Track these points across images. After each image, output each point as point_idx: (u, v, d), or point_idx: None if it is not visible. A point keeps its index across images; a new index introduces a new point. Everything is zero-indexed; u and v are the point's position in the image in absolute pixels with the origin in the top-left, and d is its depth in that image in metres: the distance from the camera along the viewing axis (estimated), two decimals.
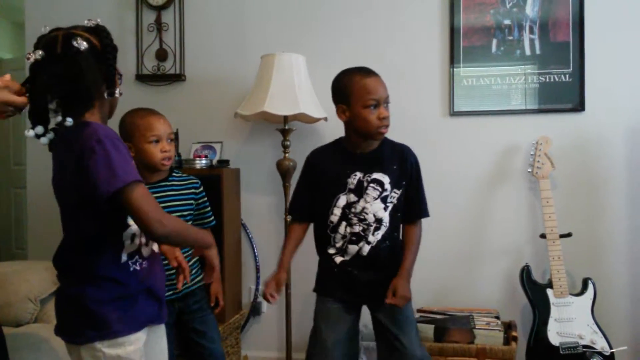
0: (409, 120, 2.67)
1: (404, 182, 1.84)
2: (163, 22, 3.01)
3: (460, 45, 2.71)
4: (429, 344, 2.34)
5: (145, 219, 1.19)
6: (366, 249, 1.81)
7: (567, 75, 2.63)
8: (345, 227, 1.82)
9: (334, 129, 2.81)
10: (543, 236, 2.49)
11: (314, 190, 1.90)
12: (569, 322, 2.40)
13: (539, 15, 2.66)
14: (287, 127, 2.65)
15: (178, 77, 2.99)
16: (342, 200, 1.82)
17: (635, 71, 2.59)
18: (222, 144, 2.93)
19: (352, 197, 1.81)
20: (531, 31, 2.67)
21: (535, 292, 2.45)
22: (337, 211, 1.82)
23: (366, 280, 1.84)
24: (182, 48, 3.01)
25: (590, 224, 2.63)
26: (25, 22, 3.21)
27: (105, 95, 1.32)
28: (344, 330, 1.87)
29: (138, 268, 1.34)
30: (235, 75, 2.93)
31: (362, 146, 1.85)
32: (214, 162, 2.78)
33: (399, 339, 1.83)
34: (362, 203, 1.80)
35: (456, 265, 2.75)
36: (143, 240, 1.36)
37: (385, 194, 1.80)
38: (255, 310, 2.94)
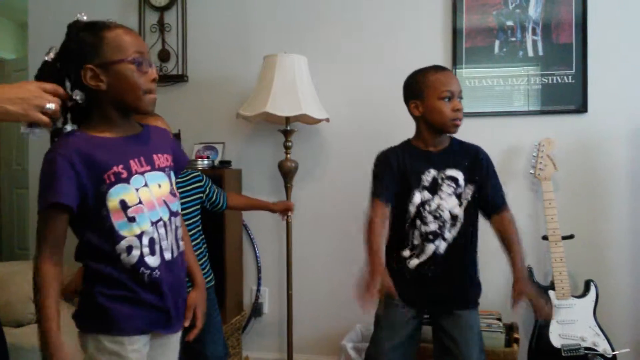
0: (411, 122, 2.66)
1: (477, 177, 1.83)
2: (165, 23, 3.02)
3: (463, 47, 2.71)
4: (430, 345, 2.32)
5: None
6: (443, 246, 1.79)
7: (570, 77, 2.63)
8: (421, 226, 1.80)
9: (335, 130, 2.82)
10: (545, 238, 2.48)
11: (393, 184, 1.83)
12: (571, 324, 2.39)
13: (542, 16, 2.65)
14: (289, 128, 2.65)
15: (180, 78, 3.00)
16: (417, 197, 1.80)
17: (639, 73, 2.59)
18: (224, 145, 2.93)
19: (427, 195, 1.80)
20: (534, 32, 2.66)
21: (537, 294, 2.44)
22: (412, 208, 1.81)
23: (439, 282, 1.80)
24: (185, 49, 3.01)
25: (593, 225, 2.63)
26: (29, 22, 3.22)
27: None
28: (405, 336, 1.85)
29: (146, 279, 1.30)
30: (238, 76, 2.94)
31: (434, 143, 1.86)
32: (216, 162, 2.79)
33: (458, 344, 1.79)
34: (437, 200, 1.79)
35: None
36: (146, 250, 1.29)
37: (459, 190, 1.81)
38: (256, 311, 2.94)
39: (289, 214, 2.41)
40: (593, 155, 2.63)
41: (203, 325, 1.49)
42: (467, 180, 1.82)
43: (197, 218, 2.09)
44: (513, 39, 2.68)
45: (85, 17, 1.32)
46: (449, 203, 1.79)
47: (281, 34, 2.90)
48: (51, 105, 1.20)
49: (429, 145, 1.87)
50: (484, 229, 2.69)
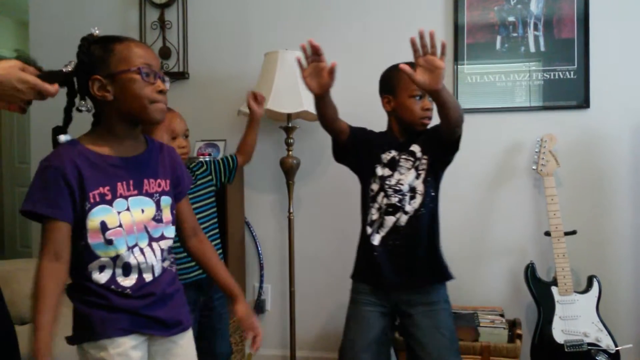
0: None
1: (429, 145, 1.86)
2: (166, 20, 3.01)
3: (465, 42, 2.70)
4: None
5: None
6: (404, 218, 1.81)
7: (572, 72, 2.62)
8: (383, 199, 1.84)
9: None
10: (548, 234, 2.48)
11: (359, 145, 1.90)
12: (574, 320, 2.39)
13: (544, 12, 2.64)
14: (290, 124, 2.65)
15: (181, 75, 2.99)
16: (379, 170, 1.86)
17: None
18: (226, 142, 2.93)
19: (387, 171, 1.85)
20: (536, 28, 2.65)
21: (540, 290, 2.44)
22: (375, 186, 1.86)
23: (404, 254, 1.82)
24: (186, 46, 3.01)
25: (595, 221, 2.62)
26: (30, 20, 3.21)
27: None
28: (375, 335, 1.85)
29: (119, 290, 1.29)
30: (239, 73, 2.93)
31: (403, 137, 1.90)
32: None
33: (428, 349, 1.78)
34: (396, 176, 1.84)
35: (460, 263, 2.71)
36: (119, 271, 1.29)
37: (417, 162, 1.84)
38: (259, 308, 2.94)
39: None
40: (595, 150, 2.62)
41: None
42: (423, 151, 1.85)
43: (211, 211, 2.10)
44: (515, 34, 2.67)
45: (98, 32, 1.33)
46: (407, 177, 1.83)
47: (282, 31, 2.90)
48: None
49: (398, 138, 1.91)
50: (487, 226, 2.71)
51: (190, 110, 2.95)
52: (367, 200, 1.89)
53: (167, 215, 1.39)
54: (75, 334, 1.32)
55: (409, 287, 1.84)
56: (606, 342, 2.36)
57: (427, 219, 1.83)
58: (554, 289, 2.42)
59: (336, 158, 1.97)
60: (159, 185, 1.38)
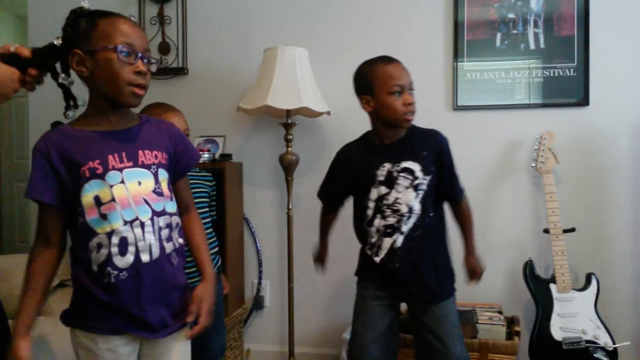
0: None
1: (432, 168, 1.79)
2: (165, 16, 3.00)
3: (464, 39, 2.70)
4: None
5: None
6: (400, 240, 1.76)
7: (572, 70, 2.62)
8: (380, 220, 1.77)
9: (336, 123, 2.81)
10: (546, 231, 2.48)
11: (343, 185, 1.90)
12: (572, 317, 2.39)
13: (544, 9, 2.64)
14: (289, 121, 2.64)
15: (180, 71, 2.99)
16: (374, 193, 1.77)
17: None
18: (225, 138, 2.93)
19: (384, 189, 1.76)
20: (536, 25, 2.65)
21: (538, 287, 2.44)
22: (371, 204, 1.78)
23: (407, 277, 1.78)
24: (185, 41, 3.00)
25: (594, 219, 2.62)
26: (28, 15, 3.20)
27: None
28: (383, 327, 1.85)
29: (113, 281, 1.26)
30: (238, 68, 2.93)
31: (389, 136, 1.81)
32: (217, 156, 2.78)
33: (439, 336, 1.79)
34: (394, 194, 1.75)
35: (459, 260, 2.74)
36: (114, 250, 1.25)
37: (416, 182, 1.75)
38: (258, 304, 2.94)
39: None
40: (594, 148, 2.62)
41: (208, 322, 1.39)
42: (424, 171, 1.76)
43: (204, 209, 2.11)
44: (515, 31, 2.67)
45: (88, 5, 1.31)
46: (406, 196, 1.74)
47: (282, 27, 2.89)
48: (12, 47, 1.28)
49: (384, 139, 1.82)
50: (486, 223, 2.71)
51: (189, 106, 2.96)
52: (362, 222, 1.82)
53: (165, 189, 1.34)
54: (70, 315, 1.33)
55: (417, 304, 1.85)
56: (604, 340, 2.37)
57: (425, 240, 1.78)
58: (552, 287, 2.42)
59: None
60: (156, 157, 1.33)
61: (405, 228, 1.75)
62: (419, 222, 1.76)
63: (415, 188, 1.75)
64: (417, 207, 1.75)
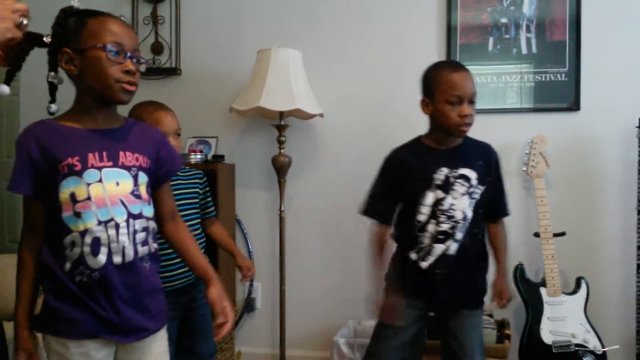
0: (403, 119, 2.66)
1: (488, 179, 1.78)
2: (159, 15, 3.00)
3: (457, 43, 2.71)
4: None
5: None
6: (454, 247, 1.73)
7: (563, 75, 2.63)
8: (434, 226, 1.73)
9: (329, 125, 2.82)
10: (537, 235, 2.49)
11: (398, 190, 1.80)
12: (562, 321, 2.40)
13: (536, 14, 2.66)
14: (282, 122, 2.64)
15: (173, 71, 2.98)
16: (430, 197, 1.73)
17: (631, 71, 2.60)
18: (217, 139, 2.92)
19: (440, 194, 1.72)
20: (528, 30, 2.67)
21: (529, 291, 2.45)
22: (425, 210, 1.73)
23: (448, 284, 1.76)
24: (178, 42, 2.99)
25: (584, 223, 2.64)
26: None
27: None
28: (411, 335, 1.83)
29: (85, 280, 1.24)
30: (231, 70, 2.92)
31: (446, 142, 1.79)
32: (209, 157, 2.78)
33: (462, 345, 1.78)
34: (449, 199, 1.71)
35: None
36: (87, 249, 1.24)
37: (471, 189, 1.74)
38: (249, 306, 2.94)
39: (249, 275, 2.19)
40: (585, 153, 2.64)
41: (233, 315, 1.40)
42: (479, 180, 1.75)
43: (194, 210, 2.08)
44: (507, 36, 2.68)
45: (78, 4, 1.31)
46: (461, 202, 1.72)
47: (275, 28, 2.89)
48: (24, 20, 1.22)
49: (441, 144, 1.79)
50: None
51: (182, 106, 2.94)
52: (412, 227, 1.76)
53: (143, 192, 1.32)
54: (41, 321, 1.31)
55: (449, 312, 1.83)
56: (593, 343, 2.38)
57: (474, 249, 1.78)
58: (542, 290, 2.44)
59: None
60: (137, 160, 1.32)
61: (459, 235, 1.73)
62: (470, 231, 1.75)
63: (470, 195, 1.74)
64: (470, 215, 1.74)
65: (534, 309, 2.43)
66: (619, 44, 2.61)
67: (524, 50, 2.67)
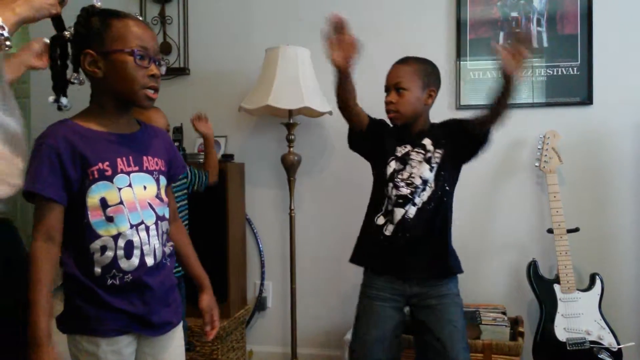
0: None
1: (443, 141, 1.85)
2: (167, 15, 3.00)
3: (467, 38, 2.69)
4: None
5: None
6: (412, 210, 1.81)
7: (575, 69, 2.60)
8: (392, 189, 1.83)
9: (339, 123, 2.79)
10: (550, 231, 2.46)
11: (374, 139, 1.92)
12: (576, 318, 2.38)
13: (547, 7, 2.62)
14: (291, 121, 2.63)
15: (182, 71, 2.98)
16: (392, 164, 1.86)
17: None
18: (227, 138, 2.92)
19: (399, 165, 1.84)
20: (539, 24, 2.64)
21: (542, 288, 2.43)
22: (389, 173, 1.85)
23: (414, 249, 1.81)
24: (186, 41, 2.99)
25: (598, 218, 2.61)
26: None
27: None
28: (388, 329, 1.84)
29: (117, 283, 1.25)
30: (240, 68, 2.92)
31: (415, 129, 1.91)
32: (219, 156, 2.77)
33: (441, 342, 1.78)
34: (408, 169, 1.83)
35: (462, 260, 2.71)
36: (120, 253, 1.25)
37: (428, 155, 1.83)
38: (260, 305, 2.93)
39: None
40: (598, 147, 2.61)
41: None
42: (435, 145, 1.84)
43: (183, 202, 2.22)
44: (518, 30, 2.65)
45: (100, 4, 1.29)
46: (419, 170, 1.82)
47: (283, 27, 2.88)
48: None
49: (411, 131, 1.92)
50: (489, 223, 2.69)
51: (190, 106, 2.96)
52: (380, 190, 1.88)
53: (164, 195, 1.36)
54: (68, 322, 1.29)
55: (418, 278, 1.84)
56: (608, 340, 2.35)
57: (436, 213, 1.83)
58: (556, 287, 2.41)
59: (351, 145, 1.98)
60: (157, 164, 1.35)
61: (418, 200, 1.81)
62: (432, 195, 1.82)
63: (429, 161, 1.83)
64: (432, 180, 1.83)
65: (547, 306, 2.40)
66: (631, 36, 2.57)
67: (535, 44, 2.63)
